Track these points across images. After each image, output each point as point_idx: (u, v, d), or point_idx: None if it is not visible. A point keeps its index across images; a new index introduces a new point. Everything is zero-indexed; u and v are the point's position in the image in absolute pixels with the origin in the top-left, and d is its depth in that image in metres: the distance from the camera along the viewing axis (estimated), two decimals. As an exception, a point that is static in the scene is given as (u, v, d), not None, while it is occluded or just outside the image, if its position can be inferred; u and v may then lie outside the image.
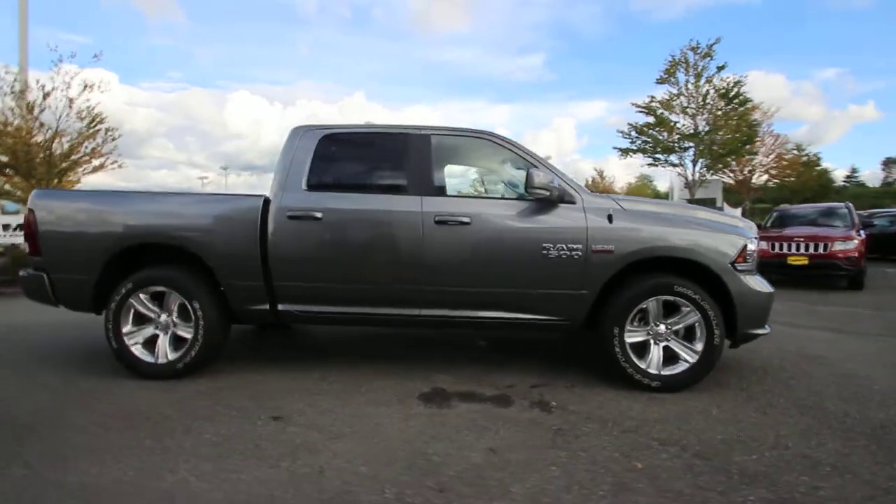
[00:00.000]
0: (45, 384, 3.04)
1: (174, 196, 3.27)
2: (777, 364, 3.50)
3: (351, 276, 3.04)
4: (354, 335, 4.44)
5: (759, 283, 3.00)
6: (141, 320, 3.17)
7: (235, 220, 3.09)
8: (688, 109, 15.16)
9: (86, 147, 10.11)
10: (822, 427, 2.46)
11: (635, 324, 2.96)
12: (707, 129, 15.10)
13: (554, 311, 2.99)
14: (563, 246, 2.92)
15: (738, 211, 17.80)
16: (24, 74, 9.67)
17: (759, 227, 4.08)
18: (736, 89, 14.85)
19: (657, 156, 16.06)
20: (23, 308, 5.38)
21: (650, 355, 2.96)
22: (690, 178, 15.76)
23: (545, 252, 2.93)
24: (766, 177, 25.54)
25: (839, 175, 46.87)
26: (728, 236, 2.98)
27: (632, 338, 2.95)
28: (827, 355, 3.77)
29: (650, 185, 47.03)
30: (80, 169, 10.32)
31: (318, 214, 3.02)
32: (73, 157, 9.94)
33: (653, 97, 15.60)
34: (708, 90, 14.94)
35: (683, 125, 15.34)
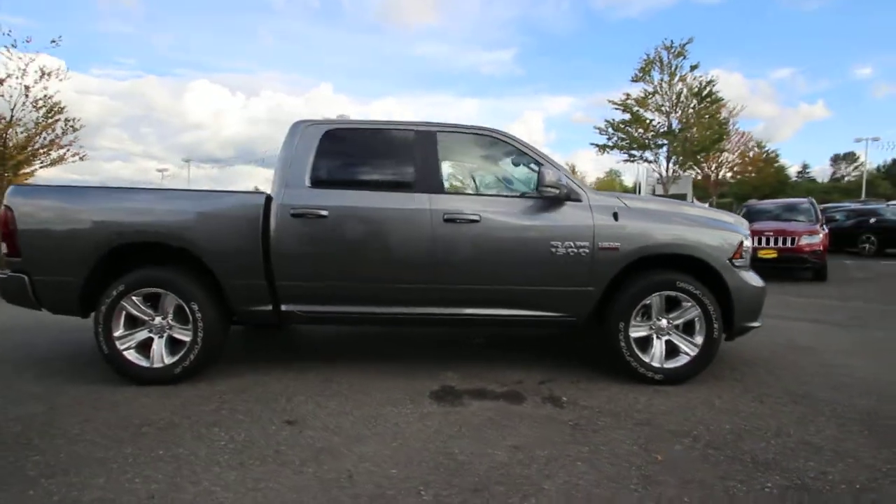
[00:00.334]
0: (29, 392, 2.85)
1: (171, 193, 3.11)
2: (766, 356, 3.68)
3: (357, 274, 2.99)
4: (351, 334, 4.37)
5: (753, 279, 3.14)
6: (133, 323, 3.01)
7: (237, 219, 2.98)
8: (662, 107, 15.66)
9: (43, 138, 9.52)
10: (817, 415, 2.61)
11: (638, 319, 3.05)
12: (680, 126, 15.63)
13: (561, 307, 3.04)
14: (571, 243, 2.96)
15: (706, 206, 18.57)
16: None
17: None
18: (708, 88, 15.47)
19: (633, 152, 16.55)
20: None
21: (653, 349, 3.05)
22: (664, 174, 16.33)
23: (553, 250, 2.96)
24: (730, 173, 26.73)
25: (792, 171, 49.52)
26: (726, 233, 3.10)
27: (636, 332, 3.03)
28: (809, 345, 4.00)
29: (618, 180, 48.32)
30: (38, 161, 9.71)
31: (324, 212, 2.95)
32: (30, 149, 9.34)
33: (628, 94, 16.07)
34: (682, 89, 15.49)
35: (658, 123, 15.88)
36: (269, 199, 3.01)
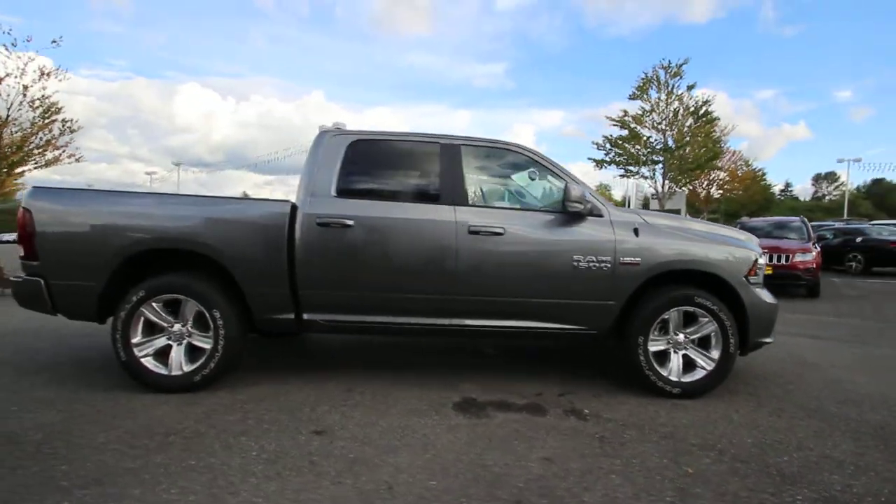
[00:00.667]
0: (45, 399, 2.79)
1: (196, 199, 3.09)
2: (775, 370, 3.76)
3: (382, 284, 3.00)
4: (363, 342, 4.36)
5: (766, 295, 3.22)
6: (151, 330, 2.98)
7: (262, 226, 2.97)
8: (660, 125, 16.03)
9: (39, 138, 9.37)
10: (833, 429, 2.68)
11: (656, 333, 3.10)
12: (676, 144, 16.00)
13: (582, 320, 3.08)
14: (594, 258, 3.01)
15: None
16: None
17: None
18: (704, 108, 15.90)
19: (629, 168, 16.87)
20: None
21: (670, 363, 3.10)
22: (660, 189, 16.67)
23: (575, 263, 3.01)
24: (720, 191, 27.37)
25: (775, 190, 50.83)
26: (741, 250, 3.19)
27: (654, 347, 3.08)
28: (813, 361, 4.09)
29: (609, 194, 49.03)
30: (32, 162, 9.54)
31: (350, 222, 2.96)
32: (25, 149, 9.18)
33: (625, 111, 16.41)
34: (678, 108, 15.88)
35: (654, 140, 16.23)
36: (294, 207, 3.02)
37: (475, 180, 3.29)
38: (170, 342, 2.97)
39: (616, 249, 3.03)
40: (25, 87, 8.57)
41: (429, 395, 3.01)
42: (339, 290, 3.00)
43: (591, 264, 3.01)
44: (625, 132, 16.41)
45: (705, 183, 25.07)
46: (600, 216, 3.10)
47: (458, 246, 2.97)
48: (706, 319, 3.07)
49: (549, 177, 3.26)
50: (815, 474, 2.16)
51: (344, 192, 3.06)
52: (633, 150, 16.29)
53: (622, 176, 17.36)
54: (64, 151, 9.61)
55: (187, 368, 2.94)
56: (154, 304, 2.92)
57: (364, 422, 2.59)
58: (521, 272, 3.02)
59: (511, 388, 3.18)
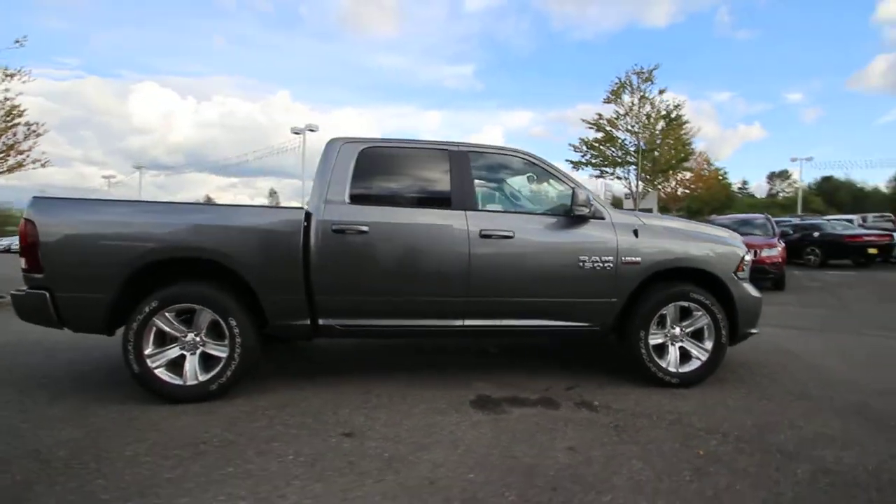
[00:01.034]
0: (56, 416, 2.73)
1: (209, 208, 3.09)
2: (758, 359, 4.04)
3: (397, 288, 3.08)
4: (371, 347, 4.41)
5: (753, 290, 3.49)
6: (162, 340, 2.96)
7: (277, 234, 3.00)
8: (633, 128, 16.69)
9: (1, 143, 8.90)
10: (819, 410, 2.94)
11: (655, 328, 3.30)
12: (648, 147, 16.70)
13: (587, 318, 3.25)
14: (598, 258, 3.19)
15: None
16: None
17: None
18: (676, 112, 16.68)
19: (605, 169, 17.50)
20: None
21: (668, 355, 3.31)
22: (634, 189, 17.35)
23: (581, 264, 3.18)
24: (687, 190, 28.66)
25: (734, 188, 53.36)
26: (730, 248, 3.44)
27: (653, 340, 3.28)
28: (789, 349, 4.42)
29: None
30: (-7, 168, 9.05)
31: (364, 228, 3.03)
32: (-14, 155, 8.71)
33: (600, 115, 17.01)
34: (650, 111, 16.60)
35: (628, 142, 16.89)
36: (307, 214, 3.06)
37: (483, 186, 3.41)
38: (183, 352, 2.95)
39: (618, 250, 3.21)
40: (-15, 90, 8.16)
41: (445, 394, 3.11)
42: (355, 294, 3.06)
43: (595, 264, 3.18)
44: (600, 135, 17.01)
45: (673, 183, 26.24)
46: (602, 219, 3.28)
47: (470, 249, 3.09)
48: (700, 313, 3.30)
49: (553, 181, 3.42)
50: (810, 450, 2.39)
51: (357, 198, 3.12)
52: (608, 153, 16.91)
53: (597, 177, 18.02)
54: (28, 156, 9.17)
55: (202, 378, 2.93)
56: (167, 314, 2.90)
57: (389, 422, 2.66)
58: (530, 273, 3.16)
59: (521, 385, 3.32)
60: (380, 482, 2.03)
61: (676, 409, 2.92)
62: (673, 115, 16.32)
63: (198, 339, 2.96)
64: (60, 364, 3.83)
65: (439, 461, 2.21)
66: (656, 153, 16.24)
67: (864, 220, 18.39)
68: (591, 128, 16.80)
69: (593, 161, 17.22)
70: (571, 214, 3.17)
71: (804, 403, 3.04)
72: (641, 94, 16.10)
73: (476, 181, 3.29)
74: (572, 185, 3.29)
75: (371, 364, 3.92)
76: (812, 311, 6.70)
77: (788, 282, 9.35)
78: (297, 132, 26.43)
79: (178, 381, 2.91)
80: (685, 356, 3.34)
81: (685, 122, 17.07)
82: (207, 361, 2.98)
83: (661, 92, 16.20)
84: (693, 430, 2.62)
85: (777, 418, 2.79)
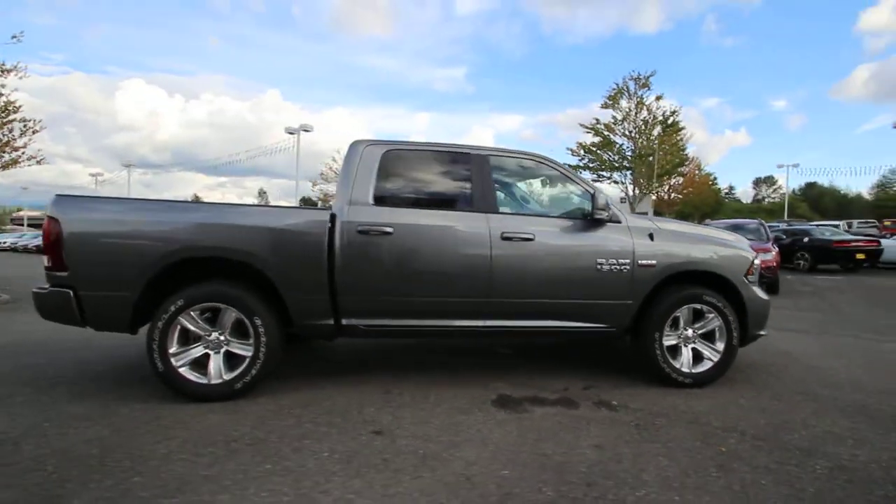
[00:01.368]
0: (79, 415, 2.72)
1: (236, 208, 3.10)
2: (761, 361, 4.16)
3: (421, 289, 3.12)
4: (384, 346, 4.44)
5: (761, 293, 3.59)
6: (186, 339, 2.97)
7: (304, 234, 3.02)
8: (631, 134, 16.95)
9: (-4, 139, 8.75)
10: (826, 409, 3.04)
11: (669, 329, 3.39)
12: (644, 152, 16.96)
13: (604, 319, 3.32)
14: (615, 261, 3.27)
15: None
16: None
17: None
18: (672, 118, 16.96)
19: (602, 173, 17.74)
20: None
21: (681, 356, 3.40)
22: (631, 194, 17.61)
23: (599, 266, 3.25)
24: (679, 195, 29.17)
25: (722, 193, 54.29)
26: (740, 252, 3.54)
27: (667, 341, 3.37)
28: (789, 351, 4.55)
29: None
30: (-13, 164, 8.89)
31: (389, 229, 3.07)
32: (-20, 151, 8.55)
33: (597, 119, 17.25)
34: (646, 117, 16.87)
35: (626, 147, 17.15)
36: (332, 215, 3.09)
37: (502, 189, 3.47)
38: (207, 351, 2.96)
39: (634, 253, 3.29)
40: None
41: (466, 394, 3.16)
42: (379, 295, 3.09)
43: (612, 267, 3.26)
44: (597, 139, 17.24)
45: (667, 187, 26.74)
46: (619, 222, 3.36)
47: (492, 251, 3.14)
48: (712, 315, 3.39)
49: (570, 185, 3.50)
50: (824, 447, 2.48)
51: (381, 200, 3.16)
52: (605, 157, 17.15)
53: (594, 181, 18.21)
54: (23, 153, 9.02)
55: (227, 377, 2.94)
56: (192, 313, 2.91)
57: (416, 421, 2.70)
58: (550, 275, 3.22)
59: (538, 385, 3.38)
60: (417, 479, 2.07)
61: (692, 408, 3.00)
62: (669, 122, 16.64)
63: (222, 337, 2.97)
64: (70, 363, 3.81)
65: (471, 459, 2.26)
66: (651, 158, 16.51)
67: (850, 226, 18.88)
68: (588, 132, 17.08)
69: (591, 165, 17.47)
70: (592, 217, 3.24)
71: (812, 403, 3.14)
72: (639, 99, 16.42)
73: (497, 184, 3.34)
74: (591, 189, 3.36)
75: (387, 364, 3.95)
76: (806, 314, 6.88)
77: (781, 286, 9.57)
78: (291, 132, 26.27)
79: (202, 380, 2.92)
80: (697, 357, 3.43)
81: (681, 128, 17.43)
82: (231, 360, 3.00)
83: (658, 98, 16.58)
84: (711, 428, 2.70)
85: (789, 417, 2.89)
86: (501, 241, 3.16)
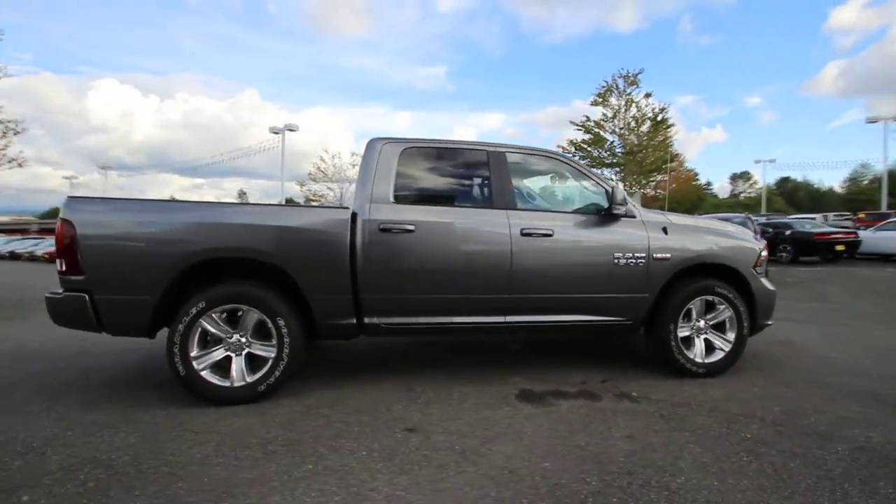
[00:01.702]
0: (99, 422, 2.66)
1: (257, 208, 3.06)
2: (765, 350, 4.29)
3: (443, 286, 3.13)
4: (396, 345, 4.44)
5: (769, 284, 3.71)
6: (205, 342, 2.92)
7: (325, 233, 3.00)
8: (621, 131, 17.22)
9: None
10: (836, 394, 3.16)
11: (682, 321, 3.47)
12: (634, 149, 17.27)
13: (621, 312, 3.39)
14: (631, 255, 3.33)
15: None
16: None
17: None
18: (662, 115, 17.30)
19: (592, 170, 18.00)
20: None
21: (695, 347, 3.49)
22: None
23: (616, 260, 3.31)
24: (663, 191, 29.79)
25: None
26: (748, 244, 3.65)
27: (681, 333, 3.45)
28: (789, 340, 4.70)
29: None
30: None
31: (411, 227, 3.07)
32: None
33: (588, 117, 17.48)
34: (636, 114, 17.18)
35: (616, 144, 17.43)
36: (353, 214, 3.07)
37: (520, 185, 3.50)
38: (228, 353, 2.93)
39: (650, 247, 3.37)
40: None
41: (488, 389, 3.18)
42: (401, 293, 3.09)
43: (629, 261, 3.33)
44: (587, 136, 17.50)
45: (654, 183, 27.31)
46: (633, 217, 3.42)
47: (512, 247, 3.17)
48: (723, 307, 3.49)
49: (585, 181, 3.55)
50: (841, 431, 2.58)
51: (401, 198, 3.16)
52: (595, 154, 17.40)
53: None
54: (3, 155, 8.70)
55: (250, 379, 2.91)
56: (214, 315, 2.87)
57: (445, 417, 2.72)
58: (569, 270, 3.27)
59: (557, 379, 3.43)
60: (461, 473, 2.08)
61: (709, 397, 3.09)
62: (659, 119, 16.99)
63: (243, 339, 2.94)
64: (75, 371, 3.72)
65: (509, 452, 2.29)
66: (643, 153, 16.85)
67: (826, 218, 19.54)
68: (579, 129, 17.32)
69: (581, 162, 17.74)
70: (609, 213, 3.30)
71: (821, 390, 3.26)
72: (627, 96, 16.72)
73: (515, 181, 3.37)
74: (607, 185, 3.42)
75: (404, 362, 3.96)
76: (796, 304, 7.10)
77: (768, 277, 9.84)
78: (276, 132, 25.90)
79: (225, 383, 2.88)
80: (709, 347, 3.52)
81: (671, 125, 17.85)
82: (252, 362, 2.96)
83: (647, 95, 16.90)
84: (731, 415, 2.78)
85: (802, 403, 2.99)
86: (521, 237, 3.20)
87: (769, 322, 3.71)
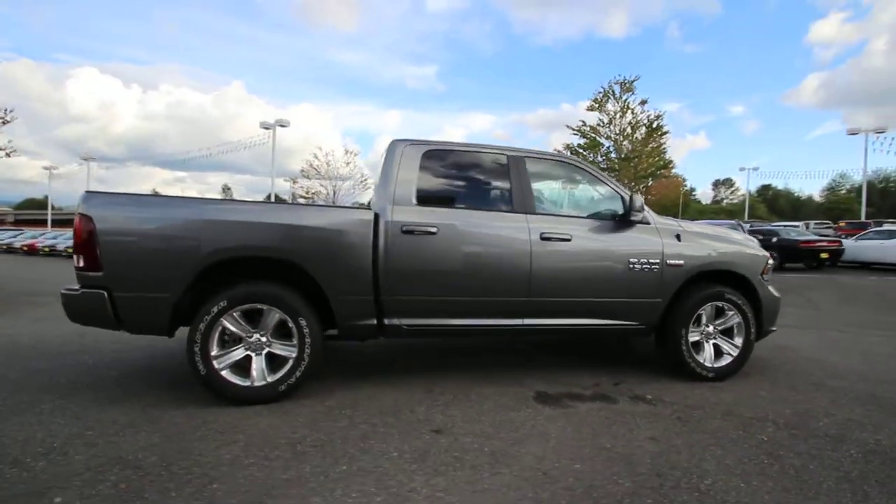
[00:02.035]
0: (118, 421, 2.62)
1: (280, 207, 3.04)
2: (765, 355, 4.40)
3: (464, 289, 3.15)
4: (408, 347, 4.44)
5: (774, 290, 3.82)
6: (223, 341, 2.90)
7: (348, 234, 3.00)
8: (616, 137, 17.47)
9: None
10: (840, 398, 3.27)
11: (693, 326, 3.55)
12: (631, 154, 17.53)
13: (635, 316, 3.45)
14: (646, 260, 3.40)
15: None
16: None
17: None
18: (657, 121, 17.60)
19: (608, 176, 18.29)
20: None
21: (704, 352, 3.58)
22: None
23: (632, 266, 3.38)
24: (651, 196, 30.35)
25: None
26: (756, 252, 3.75)
27: (692, 338, 3.53)
28: (788, 345, 4.83)
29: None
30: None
31: (433, 229, 3.09)
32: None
33: (584, 122, 17.69)
34: (631, 120, 17.44)
35: (611, 149, 17.67)
36: (376, 215, 3.08)
37: (538, 189, 3.54)
38: (248, 352, 2.90)
39: (664, 253, 3.44)
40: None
41: (505, 391, 3.22)
42: (422, 294, 3.11)
43: (644, 266, 3.40)
44: (583, 141, 17.71)
45: (645, 189, 27.78)
46: (648, 223, 3.49)
47: (532, 251, 3.21)
48: (732, 312, 3.58)
49: (600, 187, 3.61)
50: (850, 433, 2.68)
51: (423, 200, 3.17)
52: (591, 159, 17.61)
53: (580, 183, 18.77)
54: (-10, 145, 8.42)
55: (271, 379, 2.89)
56: (235, 314, 2.85)
57: (468, 419, 2.74)
58: (586, 274, 3.32)
59: (569, 381, 3.48)
60: (497, 475, 2.11)
61: (721, 400, 3.17)
62: (654, 125, 17.30)
63: (264, 339, 2.92)
64: (80, 369, 3.65)
65: (539, 454, 2.32)
66: (638, 159, 17.12)
67: (808, 226, 20.09)
68: (575, 133, 17.56)
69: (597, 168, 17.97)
70: (626, 219, 3.37)
71: (826, 394, 3.37)
72: (624, 102, 16.98)
73: (533, 185, 3.41)
74: (623, 192, 3.49)
75: (416, 363, 3.97)
76: (789, 310, 7.29)
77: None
78: (266, 127, 25.60)
79: (245, 383, 2.86)
80: (717, 352, 3.61)
81: (666, 132, 18.16)
82: (272, 362, 2.95)
83: (642, 102, 17.20)
84: (746, 419, 2.86)
85: (810, 406, 3.09)
86: (541, 241, 3.24)
87: (774, 328, 3.82)
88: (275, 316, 2.90)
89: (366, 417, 2.72)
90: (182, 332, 2.99)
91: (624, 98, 17.23)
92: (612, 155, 17.65)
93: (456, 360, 4.05)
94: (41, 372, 3.56)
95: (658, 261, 3.43)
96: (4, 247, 24.40)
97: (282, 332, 2.95)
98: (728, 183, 73.07)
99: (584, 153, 17.76)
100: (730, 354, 3.60)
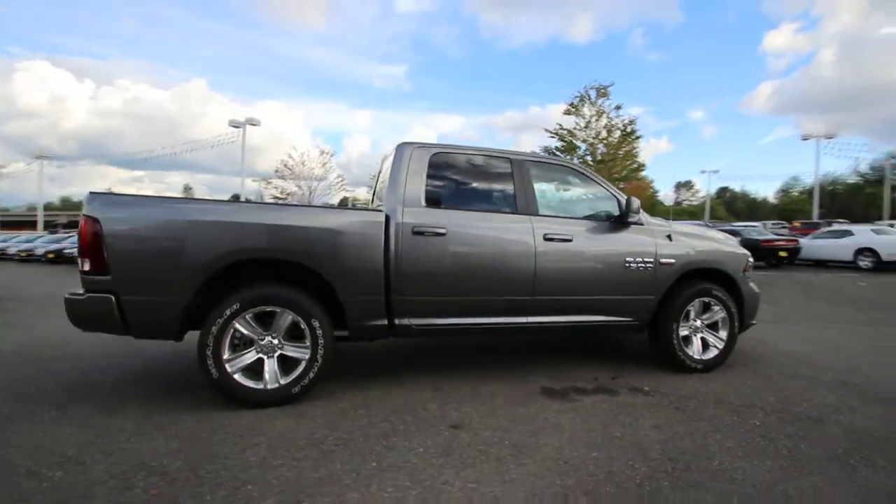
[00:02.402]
0: (127, 428, 2.57)
1: (291, 208, 3.03)
2: (742, 348, 4.69)
3: (472, 288, 3.24)
4: (408, 346, 4.49)
5: (754, 287, 4.09)
6: (236, 344, 2.89)
7: (360, 235, 3.03)
8: (592, 140, 17.97)
9: None
10: (814, 385, 3.55)
11: (683, 321, 3.77)
12: (608, 157, 18.07)
13: (630, 313, 3.63)
14: (641, 259, 3.59)
15: None
16: None
17: None
18: (631, 126, 18.23)
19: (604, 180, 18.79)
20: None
21: (693, 345, 3.80)
22: None
23: (628, 265, 3.56)
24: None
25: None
26: (738, 251, 4.02)
27: (682, 332, 3.75)
28: (761, 339, 5.16)
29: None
30: None
31: (442, 230, 3.16)
32: None
33: (560, 125, 18.13)
34: (606, 124, 18.00)
35: (586, 151, 18.17)
36: (386, 216, 3.12)
37: (540, 192, 3.67)
38: (260, 355, 2.90)
39: (657, 252, 3.64)
40: None
41: (512, 387, 3.33)
42: (432, 294, 3.17)
43: (639, 265, 3.58)
44: (561, 144, 18.17)
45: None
46: (642, 224, 3.69)
47: (536, 251, 3.34)
48: (717, 308, 3.82)
49: (597, 190, 3.77)
50: (830, 415, 2.93)
51: (432, 201, 3.24)
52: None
53: (556, 184, 19.27)
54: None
55: (283, 381, 2.89)
56: (247, 317, 2.84)
57: (483, 414, 2.83)
58: (586, 273, 3.48)
59: (570, 376, 3.62)
60: (521, 465, 2.21)
61: (711, 390, 3.38)
62: (628, 130, 17.96)
63: (275, 341, 2.92)
64: (73, 375, 3.55)
65: (557, 445, 2.44)
66: (608, 163, 17.70)
67: (766, 226, 21.26)
68: (552, 137, 18.02)
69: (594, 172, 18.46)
70: (623, 220, 3.54)
71: (801, 382, 3.64)
72: (598, 107, 17.56)
73: (536, 188, 3.54)
74: (619, 194, 3.67)
75: (420, 362, 4.02)
76: (764, 306, 7.76)
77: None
78: (236, 125, 24.93)
79: (258, 385, 2.85)
80: (704, 345, 3.85)
81: (639, 137, 18.90)
82: (283, 364, 2.95)
83: (617, 107, 17.83)
84: (737, 406, 3.07)
85: (789, 393, 3.34)
86: (544, 241, 3.37)
87: (754, 322, 4.09)
88: (287, 318, 2.90)
89: (383, 416, 2.77)
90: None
91: (599, 103, 17.93)
92: (588, 158, 18.26)
93: (458, 360, 4.13)
94: (29, 379, 3.43)
95: (652, 260, 3.62)
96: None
97: (293, 335, 2.95)
98: (689, 185, 76.34)
99: (562, 156, 18.30)
100: (716, 347, 3.84)
